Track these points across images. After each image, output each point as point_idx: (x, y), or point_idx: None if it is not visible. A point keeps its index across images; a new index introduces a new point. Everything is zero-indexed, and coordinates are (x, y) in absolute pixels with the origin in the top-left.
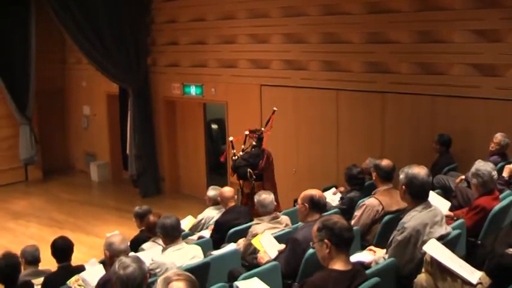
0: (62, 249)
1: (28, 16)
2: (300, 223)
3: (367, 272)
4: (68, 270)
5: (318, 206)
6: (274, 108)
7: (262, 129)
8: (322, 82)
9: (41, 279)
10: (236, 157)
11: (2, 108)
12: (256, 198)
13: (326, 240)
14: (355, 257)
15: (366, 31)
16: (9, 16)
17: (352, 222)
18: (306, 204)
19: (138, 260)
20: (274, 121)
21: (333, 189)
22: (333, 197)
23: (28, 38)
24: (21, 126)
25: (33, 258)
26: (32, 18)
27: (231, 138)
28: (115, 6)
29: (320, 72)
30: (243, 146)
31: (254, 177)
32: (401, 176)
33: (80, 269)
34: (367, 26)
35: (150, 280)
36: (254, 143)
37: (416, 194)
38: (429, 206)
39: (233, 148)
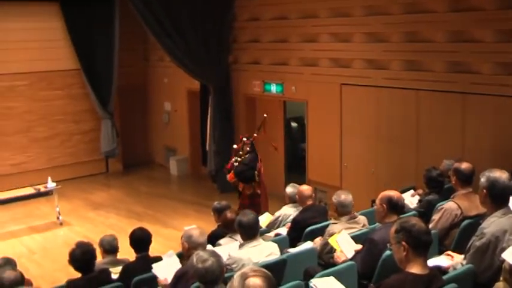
0: (141, 239)
1: (112, 14)
2: (377, 224)
3: (444, 277)
4: (146, 260)
5: (395, 207)
6: (265, 115)
7: (255, 134)
8: (403, 82)
9: (119, 268)
10: (236, 163)
11: (85, 103)
12: (335, 198)
13: (403, 243)
14: (432, 262)
15: (449, 30)
16: (94, 14)
17: (430, 225)
18: (384, 205)
19: (216, 254)
20: (354, 120)
21: (411, 191)
22: (411, 199)
23: (112, 36)
24: (103, 120)
25: (111, 247)
26: (116, 16)
27: (234, 146)
28: (198, 4)
29: (401, 71)
30: (240, 153)
31: (257, 178)
32: (482, 180)
33: (158, 259)
34: (450, 25)
35: (226, 275)
36: (248, 148)
37: (497, 198)
38: (509, 211)
39: (235, 155)
